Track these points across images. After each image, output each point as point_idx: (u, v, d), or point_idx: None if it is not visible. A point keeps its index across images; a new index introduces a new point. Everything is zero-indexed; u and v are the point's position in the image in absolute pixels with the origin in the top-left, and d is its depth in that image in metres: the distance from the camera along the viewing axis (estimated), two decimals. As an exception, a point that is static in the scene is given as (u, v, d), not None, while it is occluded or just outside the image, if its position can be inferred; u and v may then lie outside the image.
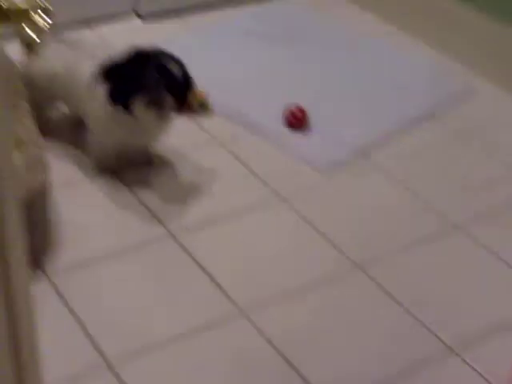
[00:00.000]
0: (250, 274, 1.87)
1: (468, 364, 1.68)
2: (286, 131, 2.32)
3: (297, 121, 2.31)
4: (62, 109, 2.27)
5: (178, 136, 2.19)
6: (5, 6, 0.74)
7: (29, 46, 0.62)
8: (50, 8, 0.74)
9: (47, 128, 2.17)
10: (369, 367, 1.66)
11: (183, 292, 1.81)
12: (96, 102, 2.03)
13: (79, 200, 2.05)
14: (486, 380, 1.65)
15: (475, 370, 1.67)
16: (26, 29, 0.69)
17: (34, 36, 0.68)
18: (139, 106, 1.95)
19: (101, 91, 2.01)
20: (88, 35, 2.71)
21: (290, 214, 2.05)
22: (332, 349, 1.70)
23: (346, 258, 1.92)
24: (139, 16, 2.90)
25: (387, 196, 2.15)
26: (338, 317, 1.78)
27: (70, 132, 2.24)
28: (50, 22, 0.72)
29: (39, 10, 0.73)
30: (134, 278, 1.84)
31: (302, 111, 2.32)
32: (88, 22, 2.80)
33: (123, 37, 2.68)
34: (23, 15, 0.73)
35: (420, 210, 2.10)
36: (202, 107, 2.38)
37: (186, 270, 1.86)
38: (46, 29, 0.70)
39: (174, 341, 1.69)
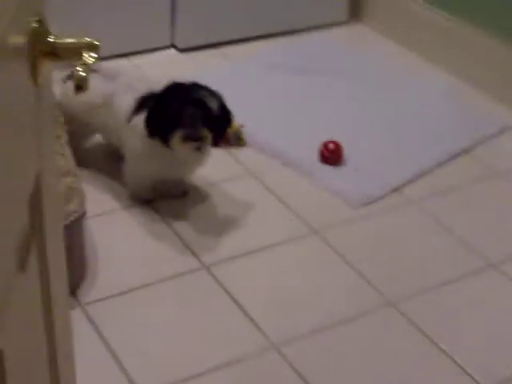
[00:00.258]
0: (283, 307, 1.88)
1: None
2: (320, 165, 2.33)
3: (331, 155, 2.32)
4: (99, 139, 2.29)
5: (213, 168, 2.21)
6: (56, 43, 0.76)
7: (78, 82, 0.64)
8: (98, 44, 0.76)
9: (84, 158, 2.20)
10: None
11: (216, 324, 1.82)
12: (133, 133, 2.06)
13: (114, 229, 2.07)
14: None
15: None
16: (77, 66, 0.71)
17: (84, 73, 0.69)
18: (177, 140, 1.97)
19: (138, 123, 2.03)
20: (125, 66, 2.75)
21: (323, 247, 2.05)
22: (362, 380, 1.70)
23: (378, 294, 1.92)
24: (176, 47, 2.94)
25: (421, 232, 2.14)
26: (371, 353, 1.77)
27: (106, 162, 2.27)
28: (97, 57, 0.73)
29: (88, 47, 0.75)
30: (167, 310, 1.85)
31: (337, 145, 2.33)
32: (126, 53, 2.84)
33: (160, 67, 2.72)
34: (74, 52, 0.75)
35: (454, 247, 2.09)
36: (238, 139, 2.40)
37: (218, 302, 1.87)
38: (93, 65, 0.71)
39: (206, 374, 1.69)
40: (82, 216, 1.87)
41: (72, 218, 1.81)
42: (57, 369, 0.91)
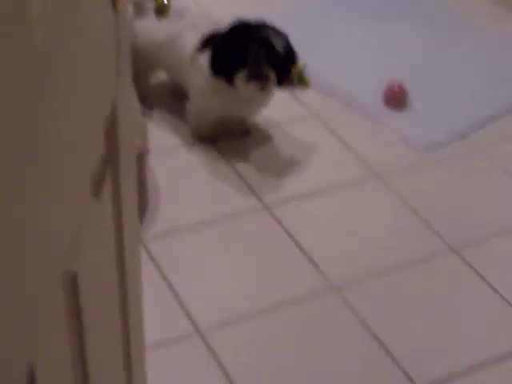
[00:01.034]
0: (343, 249, 1.87)
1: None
2: (384, 108, 2.30)
3: (396, 98, 2.29)
4: (164, 77, 2.29)
5: (276, 108, 2.20)
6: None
7: (160, 5, 0.63)
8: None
9: (148, 95, 2.20)
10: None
11: (276, 264, 1.83)
12: (198, 72, 2.05)
13: (176, 167, 2.08)
14: None
15: None
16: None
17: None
18: (241, 79, 1.96)
19: (203, 62, 2.02)
20: (190, 4, 2.72)
21: (385, 191, 2.04)
22: (420, 325, 1.69)
23: (440, 240, 1.90)
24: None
25: (487, 180, 2.11)
26: (430, 298, 1.76)
27: (170, 100, 2.27)
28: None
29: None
30: (227, 248, 1.86)
31: (402, 89, 2.30)
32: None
33: (225, 6, 2.69)
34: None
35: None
36: (302, 80, 2.37)
37: (279, 242, 1.87)
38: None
39: (263, 313, 1.71)
40: (145, 151, 1.88)
41: (135, 153, 1.82)
42: (126, 297, 0.92)
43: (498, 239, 1.92)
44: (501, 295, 1.77)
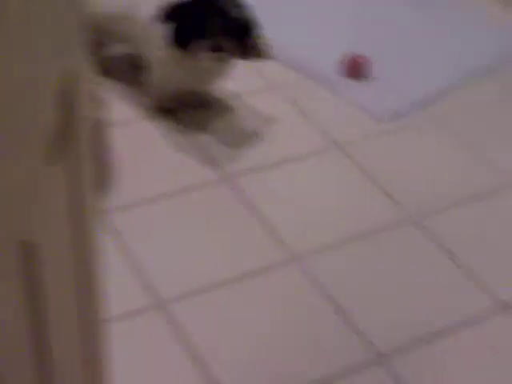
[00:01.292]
0: (304, 219, 1.88)
1: None
2: (346, 79, 2.29)
3: (358, 69, 2.28)
4: (122, 49, 2.27)
5: (237, 80, 2.18)
6: None
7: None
8: None
9: (107, 67, 2.17)
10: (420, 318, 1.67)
11: (237, 235, 1.83)
12: (156, 43, 2.03)
13: (137, 139, 2.06)
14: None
15: None
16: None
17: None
18: (200, 49, 1.95)
19: (161, 33, 2.00)
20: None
21: (347, 161, 2.04)
22: (382, 297, 1.71)
23: (400, 208, 1.91)
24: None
25: (443, 149, 2.12)
26: (390, 265, 1.78)
27: (129, 72, 2.24)
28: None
29: None
30: (189, 220, 1.86)
31: (363, 59, 2.29)
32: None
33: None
34: None
35: (477, 163, 2.07)
36: (263, 52, 2.36)
37: (240, 213, 1.87)
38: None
39: (226, 284, 1.71)
40: (104, 124, 1.86)
41: (94, 125, 1.81)
42: (85, 269, 0.92)
43: (458, 208, 1.94)
44: (458, 264, 1.79)
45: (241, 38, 1.98)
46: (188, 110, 2.15)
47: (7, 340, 0.68)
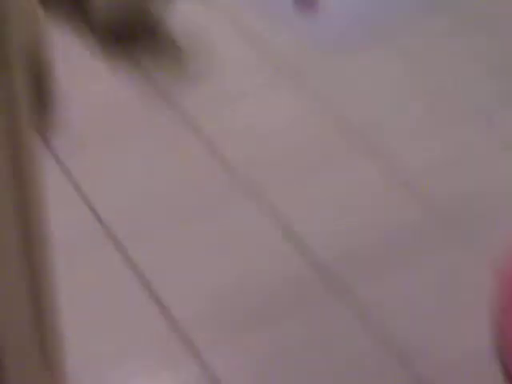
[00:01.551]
0: (255, 153, 1.86)
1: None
2: (297, 9, 2.25)
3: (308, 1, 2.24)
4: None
5: (187, 12, 2.14)
6: None
7: None
8: None
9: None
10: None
11: (189, 168, 1.82)
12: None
13: (81, 73, 2.01)
14: None
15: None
16: None
17: None
18: None
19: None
20: None
21: (299, 93, 2.02)
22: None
23: (360, 139, 1.90)
24: None
25: (401, 79, 2.10)
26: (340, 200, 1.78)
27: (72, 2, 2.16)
28: None
29: None
30: (140, 153, 1.84)
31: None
32: None
33: None
34: None
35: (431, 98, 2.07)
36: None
37: (195, 147, 1.85)
38: None
39: (174, 212, 1.71)
40: (49, 59, 1.81)
41: (39, 62, 1.76)
42: (26, 187, 0.89)
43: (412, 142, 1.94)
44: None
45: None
46: (136, 39, 2.09)
47: None
